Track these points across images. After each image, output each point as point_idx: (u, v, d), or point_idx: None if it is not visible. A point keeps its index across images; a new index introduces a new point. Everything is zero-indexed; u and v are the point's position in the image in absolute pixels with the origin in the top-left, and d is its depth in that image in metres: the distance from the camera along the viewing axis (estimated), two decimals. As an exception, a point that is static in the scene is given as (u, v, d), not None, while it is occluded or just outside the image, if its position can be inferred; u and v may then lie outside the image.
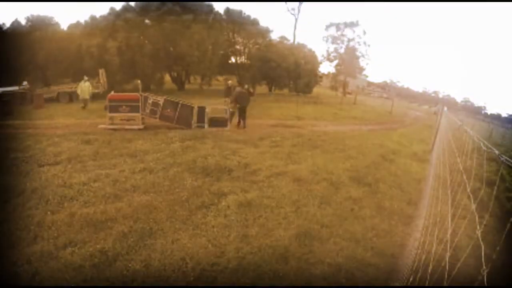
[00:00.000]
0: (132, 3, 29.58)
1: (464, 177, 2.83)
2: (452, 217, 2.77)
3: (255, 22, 34.01)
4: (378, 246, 5.20)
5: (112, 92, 14.09)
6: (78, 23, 29.44)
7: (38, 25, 25.19)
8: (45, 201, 6.09)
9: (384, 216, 6.38)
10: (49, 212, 5.64)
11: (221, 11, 32.77)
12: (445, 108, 13.47)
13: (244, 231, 5.41)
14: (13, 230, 5.02)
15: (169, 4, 28.32)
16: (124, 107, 13.30)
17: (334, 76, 47.48)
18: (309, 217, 6.09)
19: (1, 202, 5.93)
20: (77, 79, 22.54)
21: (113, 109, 13.20)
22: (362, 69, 46.32)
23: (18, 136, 10.68)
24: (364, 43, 43.58)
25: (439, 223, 3.07)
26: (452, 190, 3.28)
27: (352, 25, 42.99)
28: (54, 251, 4.59)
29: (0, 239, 4.79)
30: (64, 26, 28.65)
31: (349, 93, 43.62)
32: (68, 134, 11.13)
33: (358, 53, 43.99)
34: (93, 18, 29.42)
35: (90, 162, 8.48)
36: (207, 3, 30.68)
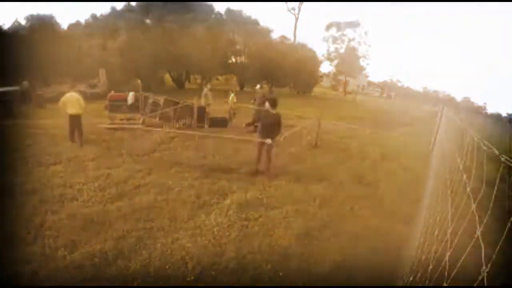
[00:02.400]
0: (133, 3, 29.65)
1: (464, 176, 2.83)
2: (452, 216, 2.78)
3: (255, 22, 34.08)
4: (378, 245, 5.21)
5: (112, 92, 14.11)
6: (78, 22, 29.53)
7: (38, 25, 25.18)
8: (45, 201, 6.10)
9: (384, 215, 6.40)
10: (49, 212, 5.64)
11: (222, 11, 32.86)
12: (445, 108, 13.45)
13: (245, 231, 5.42)
14: (13, 230, 5.02)
15: (170, 4, 28.40)
16: (124, 107, 13.33)
17: (334, 76, 47.63)
18: (309, 216, 6.11)
19: (1, 202, 5.93)
20: (78, 79, 22.57)
21: (113, 108, 13.22)
22: (362, 69, 46.44)
23: (18, 135, 10.70)
24: (365, 43, 43.71)
25: (439, 223, 3.07)
26: (452, 190, 3.28)
27: (353, 25, 43.14)
28: (54, 251, 4.59)
29: (0, 239, 4.78)
30: (64, 25, 28.76)
31: (349, 93, 43.70)
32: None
33: (358, 53, 44.13)
34: (94, 17, 29.51)
35: (90, 162, 8.49)
36: (207, 3, 30.74)
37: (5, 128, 11.86)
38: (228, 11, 33.31)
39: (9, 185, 6.64)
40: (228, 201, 6.47)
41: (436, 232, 2.91)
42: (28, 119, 13.92)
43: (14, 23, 25.61)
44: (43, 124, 12.71)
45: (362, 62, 45.08)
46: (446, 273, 2.26)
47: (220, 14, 32.19)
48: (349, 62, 43.51)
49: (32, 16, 25.70)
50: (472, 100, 67.64)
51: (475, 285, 1.61)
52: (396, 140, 14.70)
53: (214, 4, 31.53)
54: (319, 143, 11.87)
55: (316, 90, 41.04)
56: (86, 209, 5.82)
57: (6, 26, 25.36)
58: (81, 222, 5.32)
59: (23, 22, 25.76)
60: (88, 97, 20.18)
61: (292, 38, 42.22)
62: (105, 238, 4.94)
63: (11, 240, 4.78)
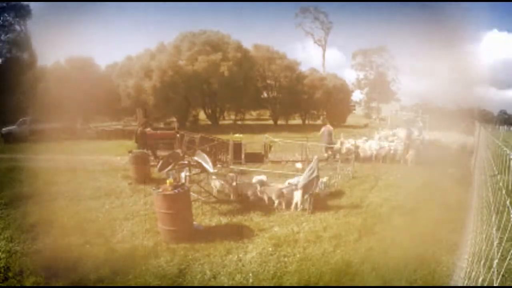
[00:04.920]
0: (165, 43, 31.14)
1: (507, 202, 2.69)
2: (499, 240, 2.62)
3: (283, 56, 34.74)
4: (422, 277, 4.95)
5: (149, 129, 14.55)
6: (115, 63, 31.34)
7: (78, 65, 26.71)
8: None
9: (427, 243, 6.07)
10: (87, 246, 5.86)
11: (249, 47, 33.79)
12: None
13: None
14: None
15: (199, 44, 29.58)
16: (161, 144, 13.70)
17: (366, 103, 47.17)
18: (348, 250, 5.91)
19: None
20: (114, 118, 23.87)
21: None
22: (393, 94, 45.82)
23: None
24: (393, 67, 43.46)
25: (485, 249, 2.90)
26: (497, 212, 3.12)
27: (379, 50, 43.15)
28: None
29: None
30: (102, 66, 30.70)
31: (382, 120, 42.86)
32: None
33: (387, 78, 43.87)
34: (129, 58, 31.18)
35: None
36: (235, 40, 31.70)
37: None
38: (256, 47, 34.28)
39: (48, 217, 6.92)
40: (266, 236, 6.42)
41: (482, 261, 2.75)
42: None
43: (55, 63, 27.37)
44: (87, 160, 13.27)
45: (393, 87, 44.67)
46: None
47: (248, 50, 33.06)
48: (379, 88, 43.20)
49: (72, 57, 27.41)
50: (508, 112, 63.16)
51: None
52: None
53: (242, 40, 32.35)
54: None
55: (350, 119, 40.63)
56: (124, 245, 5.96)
57: (48, 66, 27.23)
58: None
59: (63, 62, 27.50)
60: (125, 134, 21.14)
61: (321, 69, 42.51)
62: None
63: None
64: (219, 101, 31.85)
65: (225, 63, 28.68)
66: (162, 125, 22.80)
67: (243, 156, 13.75)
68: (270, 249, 5.85)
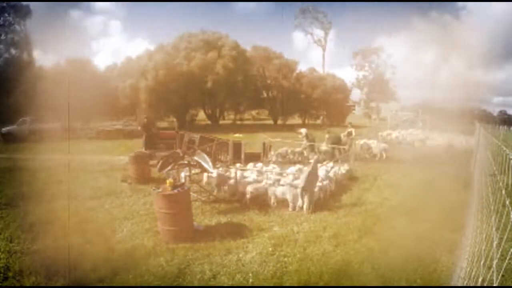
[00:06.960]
0: (164, 44, 31.12)
1: (507, 202, 2.69)
2: (499, 240, 2.62)
3: (280, 56, 34.77)
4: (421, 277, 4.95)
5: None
6: (114, 64, 31.36)
7: (77, 66, 26.63)
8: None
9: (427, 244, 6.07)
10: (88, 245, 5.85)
11: (248, 47, 33.76)
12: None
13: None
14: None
15: (195, 42, 29.62)
16: (161, 144, 13.68)
17: (365, 103, 47.12)
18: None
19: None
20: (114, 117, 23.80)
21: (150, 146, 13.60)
22: (393, 93, 45.72)
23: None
24: (391, 66, 43.44)
25: (485, 249, 2.91)
26: (497, 212, 3.12)
27: (377, 50, 43.16)
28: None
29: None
30: (102, 67, 30.71)
31: (382, 120, 42.78)
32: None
33: (386, 77, 43.85)
34: (128, 59, 31.16)
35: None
36: (232, 39, 31.63)
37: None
38: (254, 47, 34.28)
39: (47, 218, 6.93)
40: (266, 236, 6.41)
41: (482, 261, 2.76)
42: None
43: (54, 64, 27.27)
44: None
45: (391, 86, 44.68)
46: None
47: (246, 50, 33.02)
48: (378, 87, 43.19)
49: (72, 57, 27.35)
50: (509, 113, 62.91)
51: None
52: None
53: (239, 40, 32.31)
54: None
55: (349, 119, 40.61)
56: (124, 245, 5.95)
57: (47, 66, 27.16)
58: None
59: (62, 63, 27.42)
60: (125, 134, 21.15)
61: (321, 70, 42.49)
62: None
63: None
64: (217, 100, 31.83)
65: (220, 61, 28.68)
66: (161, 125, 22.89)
67: (243, 156, 13.69)
68: (270, 249, 5.86)
